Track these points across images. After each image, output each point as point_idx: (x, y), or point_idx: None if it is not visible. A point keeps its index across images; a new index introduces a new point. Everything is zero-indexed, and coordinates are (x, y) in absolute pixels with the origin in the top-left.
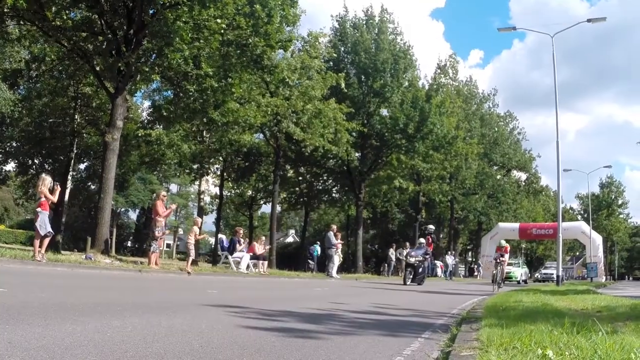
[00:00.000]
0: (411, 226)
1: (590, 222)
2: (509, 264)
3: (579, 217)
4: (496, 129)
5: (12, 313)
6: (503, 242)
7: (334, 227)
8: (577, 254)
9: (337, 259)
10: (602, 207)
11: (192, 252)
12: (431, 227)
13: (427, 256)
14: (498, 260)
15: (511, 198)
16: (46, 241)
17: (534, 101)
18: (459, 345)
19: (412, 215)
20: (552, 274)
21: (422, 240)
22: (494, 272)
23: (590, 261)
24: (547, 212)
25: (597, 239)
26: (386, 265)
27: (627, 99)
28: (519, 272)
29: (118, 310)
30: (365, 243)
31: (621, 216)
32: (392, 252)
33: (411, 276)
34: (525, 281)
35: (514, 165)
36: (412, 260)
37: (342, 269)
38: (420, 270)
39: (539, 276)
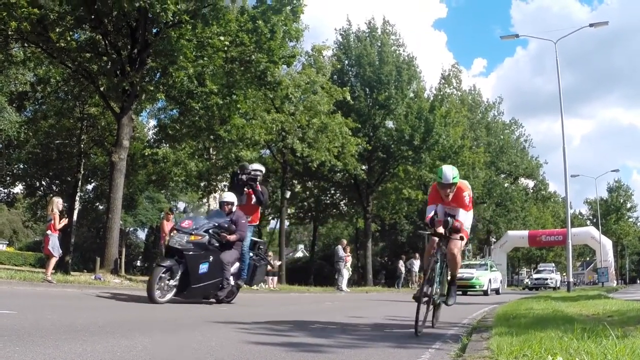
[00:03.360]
0: (420, 237)
1: (600, 226)
2: (469, 266)
3: (588, 222)
4: (502, 137)
5: (22, 335)
6: (448, 173)
7: (344, 241)
8: (588, 259)
9: (346, 273)
10: (610, 211)
11: None
12: (257, 167)
13: (234, 234)
14: (443, 231)
15: (519, 206)
16: (53, 262)
17: (539, 108)
18: (469, 355)
19: (421, 226)
20: (547, 279)
21: (229, 197)
22: (421, 270)
23: (600, 266)
24: (556, 219)
25: (607, 243)
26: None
27: (631, 101)
28: (486, 277)
29: (127, 330)
30: (374, 256)
31: (630, 220)
32: (401, 264)
33: (171, 281)
34: (496, 291)
35: (521, 173)
36: (183, 241)
37: (352, 282)
38: (206, 268)
39: (529, 282)
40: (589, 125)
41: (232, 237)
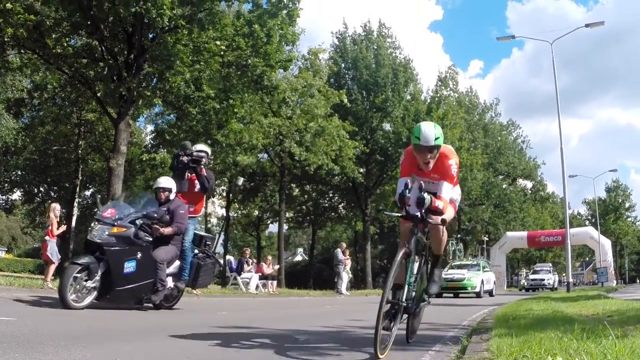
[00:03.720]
0: None
1: (598, 226)
2: (461, 266)
3: (587, 222)
4: (499, 138)
5: (21, 341)
6: (429, 131)
7: (343, 244)
8: (587, 259)
9: (345, 276)
10: (609, 211)
11: None
12: (201, 147)
13: (170, 227)
14: (418, 213)
15: (518, 207)
16: (53, 268)
17: (536, 109)
18: (469, 356)
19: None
20: (544, 279)
21: (165, 182)
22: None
23: (600, 266)
24: (555, 219)
25: (606, 243)
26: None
27: (628, 101)
28: (478, 278)
29: (128, 335)
30: (373, 258)
31: (629, 219)
32: None
33: (89, 282)
34: (490, 292)
35: (519, 174)
36: (103, 235)
37: (351, 285)
38: (133, 267)
39: (526, 283)
40: (586, 126)
41: (167, 230)
